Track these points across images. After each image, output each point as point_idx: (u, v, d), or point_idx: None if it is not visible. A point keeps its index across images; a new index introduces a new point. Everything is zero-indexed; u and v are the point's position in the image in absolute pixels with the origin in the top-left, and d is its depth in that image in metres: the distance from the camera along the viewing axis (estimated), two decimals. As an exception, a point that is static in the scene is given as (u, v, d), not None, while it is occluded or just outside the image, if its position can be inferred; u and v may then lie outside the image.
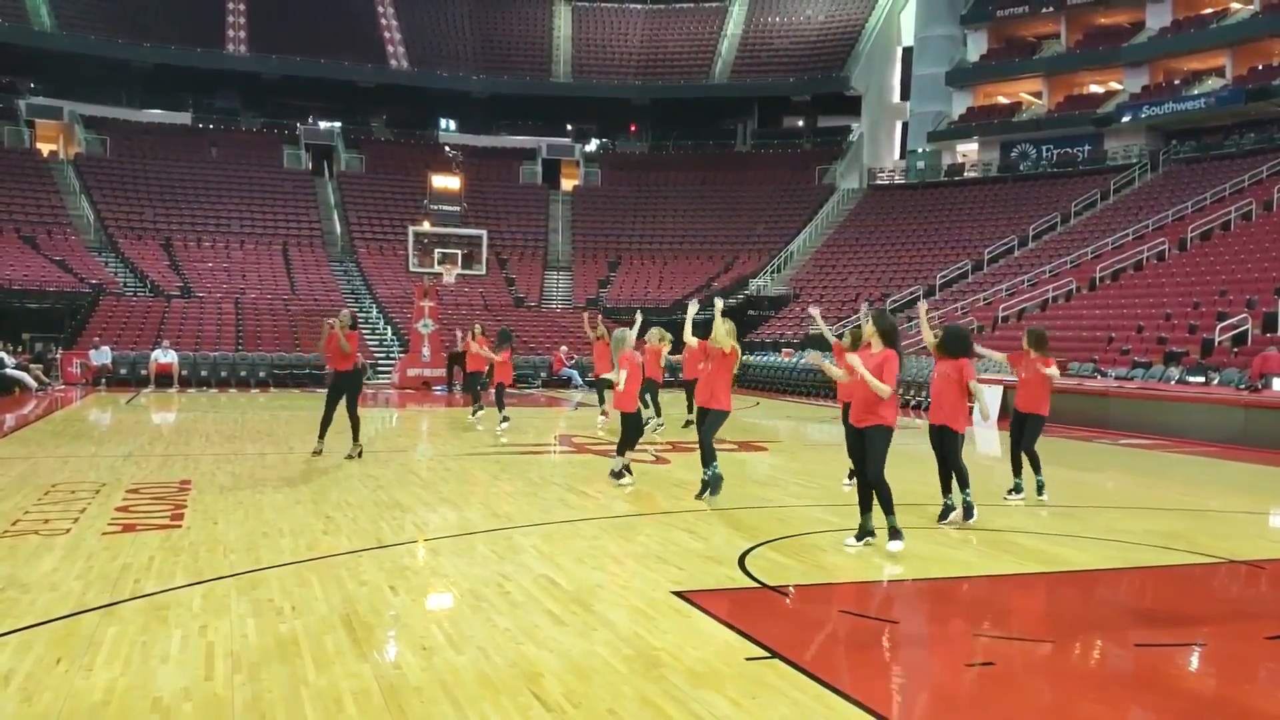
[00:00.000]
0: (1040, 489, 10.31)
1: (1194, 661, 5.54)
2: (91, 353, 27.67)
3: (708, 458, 9.69)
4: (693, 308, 10.88)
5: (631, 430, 10.86)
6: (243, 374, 28.99)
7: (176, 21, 45.43)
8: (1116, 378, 21.52)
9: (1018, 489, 10.39)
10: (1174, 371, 20.95)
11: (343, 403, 12.92)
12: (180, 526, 8.36)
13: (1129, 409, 19.25)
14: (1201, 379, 19.83)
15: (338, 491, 10.36)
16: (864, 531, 7.83)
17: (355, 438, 13.08)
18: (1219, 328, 22.63)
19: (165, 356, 27.76)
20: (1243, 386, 17.98)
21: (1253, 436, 16.46)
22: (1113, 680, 5.24)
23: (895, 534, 7.69)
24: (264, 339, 30.95)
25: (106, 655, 5.10)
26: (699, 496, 9.83)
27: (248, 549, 7.57)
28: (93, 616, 5.77)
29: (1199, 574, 7.55)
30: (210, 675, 4.85)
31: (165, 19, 45.34)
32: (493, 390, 17.12)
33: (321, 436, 13.31)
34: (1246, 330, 22.33)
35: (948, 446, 8.94)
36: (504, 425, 16.24)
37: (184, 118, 46.44)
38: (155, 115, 45.72)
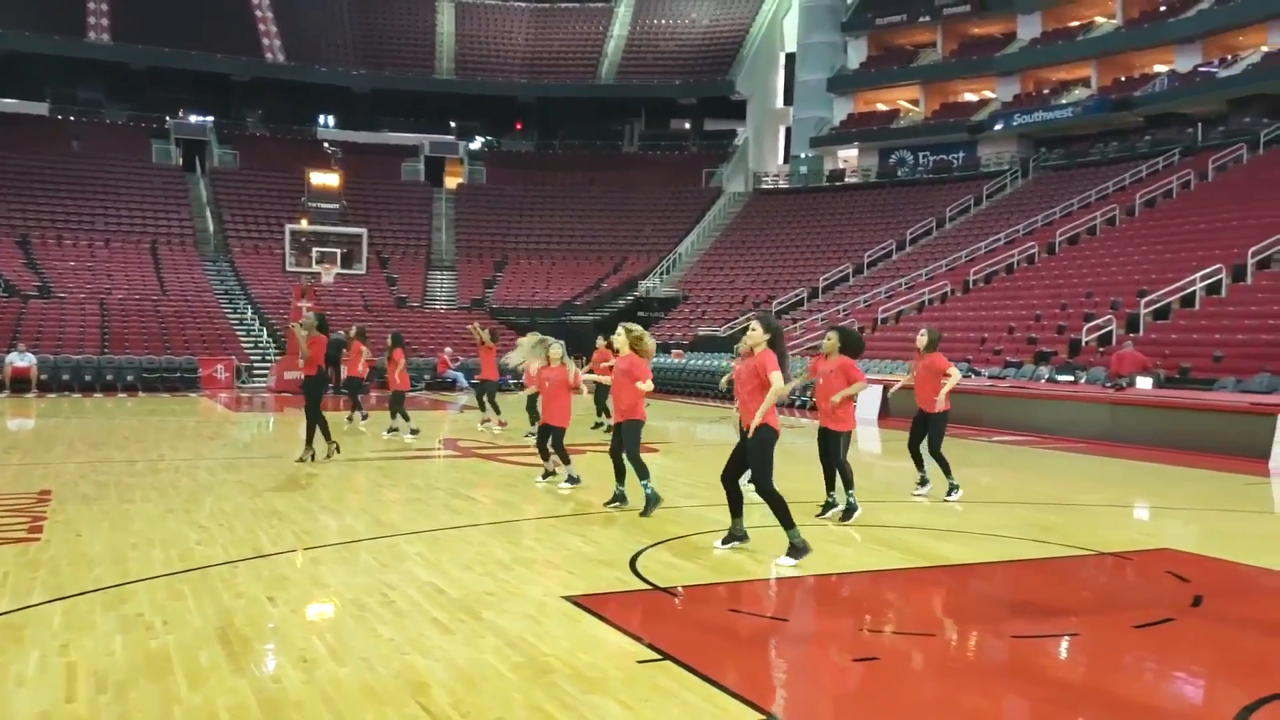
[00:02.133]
0: (950, 490, 10.41)
1: (1068, 651, 5.71)
2: (-58, 356, 26.22)
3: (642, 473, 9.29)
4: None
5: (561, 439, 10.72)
6: (109, 378, 27.78)
7: (32, 6, 43.24)
8: (989, 377, 22.20)
9: (925, 481, 10.62)
10: (1044, 371, 21.71)
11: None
12: (39, 539, 7.92)
13: (1001, 407, 19.86)
14: (1070, 378, 20.59)
15: (212, 500, 9.98)
16: (735, 535, 7.79)
17: (308, 442, 12.81)
18: (1086, 328, 23.56)
19: (21, 360, 26.42)
20: (1111, 385, 18.72)
21: (1119, 433, 17.15)
22: (992, 671, 5.37)
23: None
24: (132, 341, 29.71)
25: (-43, 678, 4.78)
26: (644, 514, 9.17)
27: (115, 561, 7.21)
28: (-58, 637, 5.41)
29: (1071, 566, 7.81)
30: (72, 697, 4.57)
31: (19, 4, 43.09)
32: (389, 397, 16.65)
33: (308, 444, 12.87)
34: (1111, 331, 23.29)
35: (831, 446, 9.07)
36: (411, 436, 15.75)
37: (41, 108, 44.25)
38: (8, 105, 43.32)
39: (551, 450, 10.82)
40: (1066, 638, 5.88)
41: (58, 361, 27.54)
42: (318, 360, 12.81)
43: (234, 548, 7.75)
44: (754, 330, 7.48)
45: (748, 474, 7.55)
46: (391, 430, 16.05)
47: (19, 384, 26.05)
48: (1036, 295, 27.98)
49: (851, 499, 9.09)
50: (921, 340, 10.40)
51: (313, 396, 12.84)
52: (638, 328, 9.62)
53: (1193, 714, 4.84)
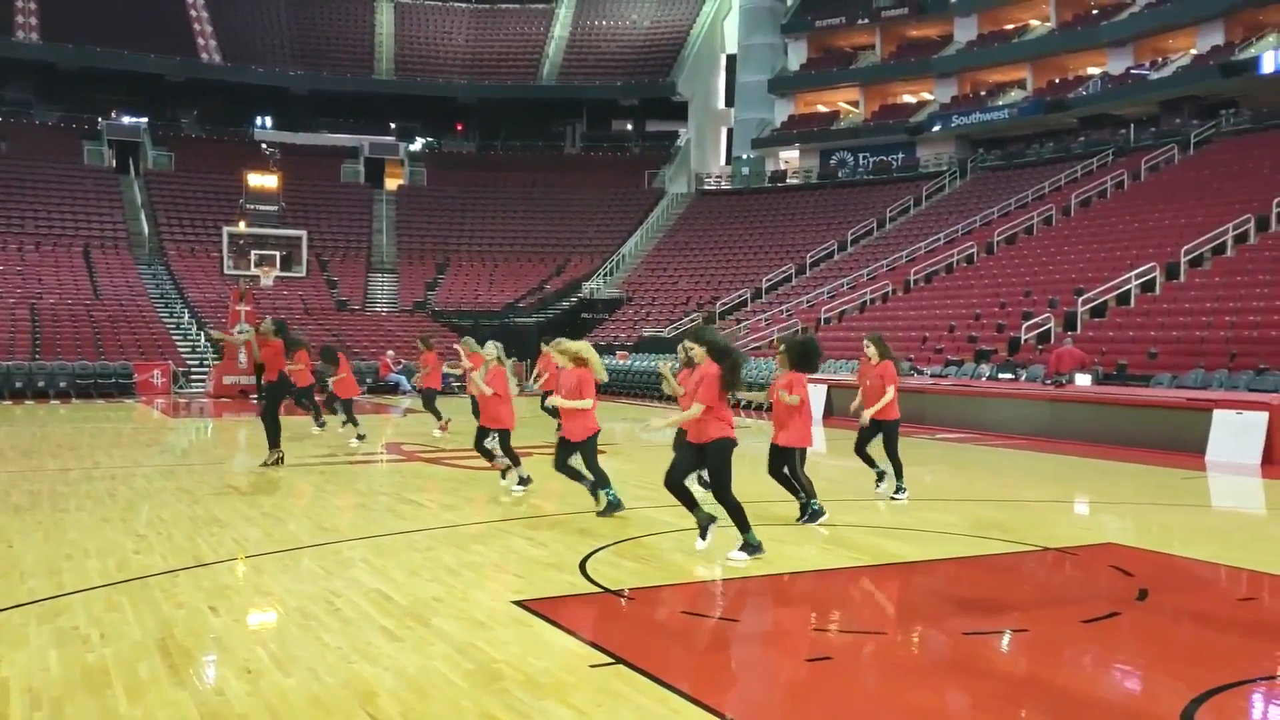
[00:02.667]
0: (898, 490, 10.42)
1: (1018, 647, 5.76)
2: None
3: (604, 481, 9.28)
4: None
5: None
6: (40, 384, 27.06)
7: (-44, 5, 42.15)
8: (931, 375, 22.45)
9: (882, 476, 10.65)
10: (985, 369, 22.01)
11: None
12: (-30, 551, 7.67)
13: (943, 405, 20.09)
14: (1010, 375, 20.89)
15: (149, 508, 9.74)
16: (705, 524, 7.75)
17: (271, 445, 12.66)
18: (1025, 326, 23.92)
19: (-48, 366, 25.69)
20: (1050, 382, 19.00)
21: (1058, 429, 17.42)
22: (944, 668, 5.40)
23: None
24: (64, 347, 29.00)
25: (-118, 698, 4.60)
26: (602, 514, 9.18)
27: (49, 573, 7.00)
28: None
29: (1017, 562, 7.89)
30: (4, 714, 4.42)
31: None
32: (339, 405, 16.42)
33: (272, 445, 12.71)
34: (1050, 329, 23.68)
35: (786, 460, 8.99)
36: (357, 441, 15.52)
37: (-32, 110, 43.14)
38: (-67, 106, 42.29)
39: (498, 452, 10.73)
40: (1016, 634, 5.94)
41: (-13, 368, 26.80)
42: (279, 365, 12.80)
43: (173, 556, 7.57)
44: (692, 348, 7.59)
45: (694, 475, 7.61)
46: (359, 438, 15.58)
47: (-55, 392, 25.33)
48: (976, 294, 28.37)
49: (815, 505, 9.02)
50: (871, 351, 10.35)
51: (272, 400, 12.84)
52: (573, 345, 9.28)
53: (1142, 707, 4.89)
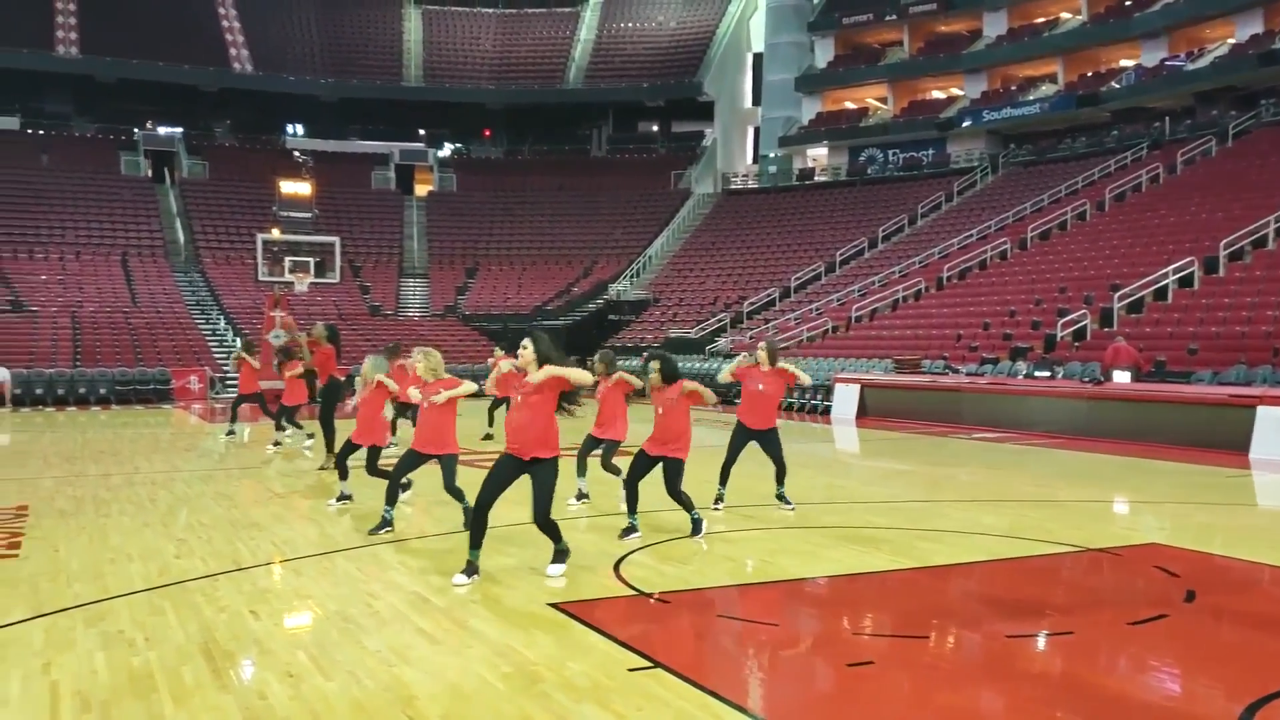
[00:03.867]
0: (782, 499, 9.68)
1: (1062, 651, 5.67)
2: (-89, 373, 25.83)
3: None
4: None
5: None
6: (82, 391, 27.44)
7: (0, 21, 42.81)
8: (967, 374, 22.28)
9: (721, 499, 9.81)
10: (1021, 366, 21.81)
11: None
12: (16, 555, 7.78)
13: (980, 404, 19.95)
14: (1047, 373, 20.69)
15: (189, 512, 9.85)
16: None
17: (329, 449, 12.79)
18: (1060, 323, 23.68)
19: (-6, 375, 26.07)
20: (1089, 379, 18.81)
21: (1097, 427, 17.24)
22: (988, 672, 5.33)
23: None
24: (104, 354, 29.38)
25: (-66, 703, 4.67)
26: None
27: (94, 577, 7.08)
28: (-83, 660, 5.28)
29: (1058, 563, 7.80)
30: (56, 718, 4.48)
31: (-14, 18, 42.65)
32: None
33: (329, 450, 12.79)
34: (1086, 325, 23.44)
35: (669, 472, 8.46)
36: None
37: (11, 123, 43.69)
38: (-22, 120, 42.99)
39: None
40: (1059, 637, 5.84)
41: (31, 376, 27.17)
42: (330, 370, 13.08)
43: (213, 560, 7.64)
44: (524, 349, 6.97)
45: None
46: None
47: (-9, 399, 25.74)
48: (1010, 291, 28.12)
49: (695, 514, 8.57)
50: (762, 354, 9.54)
51: (327, 405, 13.09)
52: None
53: (1196, 713, 4.81)
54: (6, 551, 7.95)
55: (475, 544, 6.94)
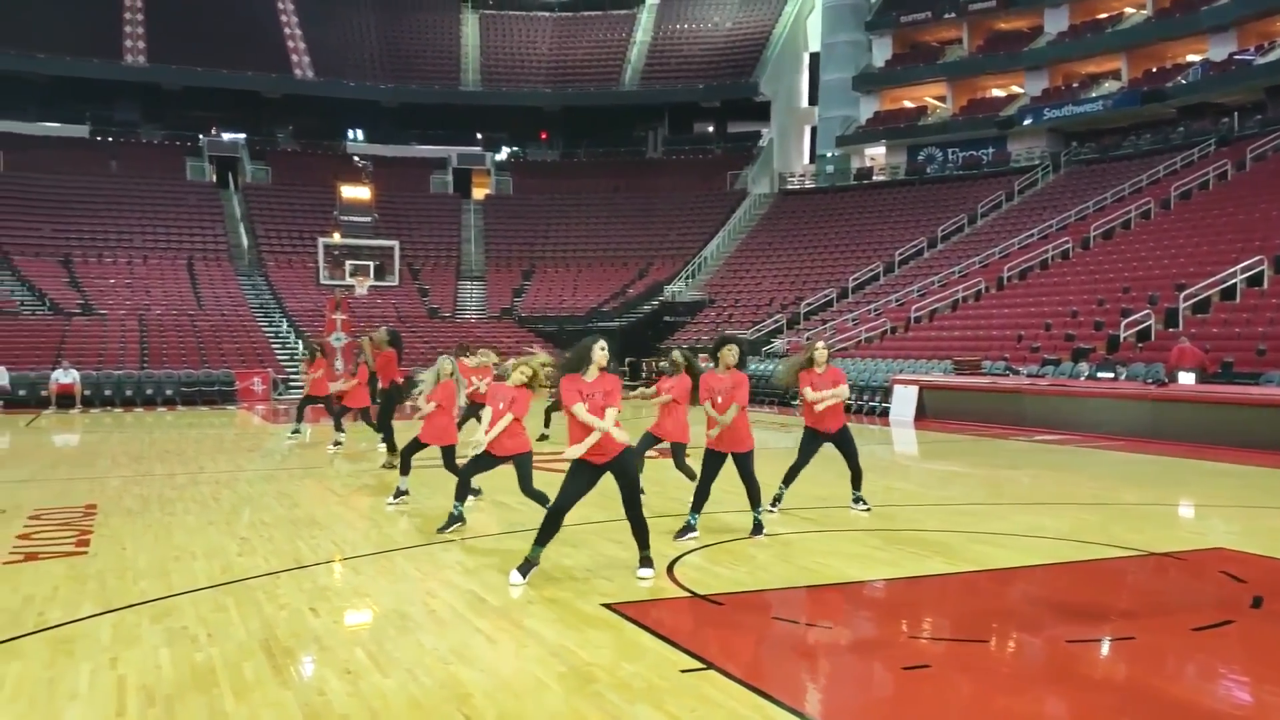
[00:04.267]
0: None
1: (1124, 656, 5.57)
2: (-13, 374, 26.59)
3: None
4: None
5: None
6: (149, 392, 28.07)
7: (72, 32, 43.91)
8: (1028, 375, 21.97)
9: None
10: (1083, 367, 21.45)
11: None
12: (86, 553, 7.98)
13: (1042, 405, 19.66)
14: (1110, 374, 20.33)
15: (251, 511, 10.03)
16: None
17: (390, 448, 13.14)
18: (1124, 324, 23.25)
19: (66, 376, 26.74)
20: (1153, 380, 18.45)
21: (1161, 429, 16.91)
22: (1047, 677, 5.25)
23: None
24: (170, 356, 30.04)
25: (9, 694, 4.81)
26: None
27: (159, 574, 7.25)
28: (-8, 653, 5.45)
29: (1120, 567, 7.66)
30: (122, 711, 4.59)
31: (60, 29, 43.77)
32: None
33: (390, 450, 13.15)
34: (1150, 326, 22.99)
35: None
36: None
37: (82, 131, 44.93)
38: (51, 129, 44.15)
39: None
40: (1121, 642, 5.75)
41: (100, 377, 27.86)
42: (391, 373, 13.37)
43: (275, 558, 7.78)
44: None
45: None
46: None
47: (64, 400, 26.37)
48: (1073, 291, 27.67)
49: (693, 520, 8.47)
50: (731, 357, 8.66)
51: (387, 406, 13.47)
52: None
53: None
54: (76, 549, 8.16)
55: (541, 542, 6.93)
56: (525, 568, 6.90)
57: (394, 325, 31.33)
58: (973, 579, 7.22)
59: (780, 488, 9.72)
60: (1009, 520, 9.42)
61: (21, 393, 26.64)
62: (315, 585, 6.96)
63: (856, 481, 9.65)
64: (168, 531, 8.92)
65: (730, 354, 8.51)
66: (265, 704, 4.66)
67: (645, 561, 7.06)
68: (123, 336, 31.05)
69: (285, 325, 34.75)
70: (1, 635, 5.74)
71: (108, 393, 27.53)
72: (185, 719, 4.49)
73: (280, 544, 8.36)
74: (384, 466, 13.06)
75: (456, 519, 8.83)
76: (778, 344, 30.90)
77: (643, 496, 7.36)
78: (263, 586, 6.88)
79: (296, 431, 17.51)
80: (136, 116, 46.70)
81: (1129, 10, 40.76)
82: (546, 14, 54.78)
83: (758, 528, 8.51)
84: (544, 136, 52.27)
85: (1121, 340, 22.91)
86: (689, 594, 6.65)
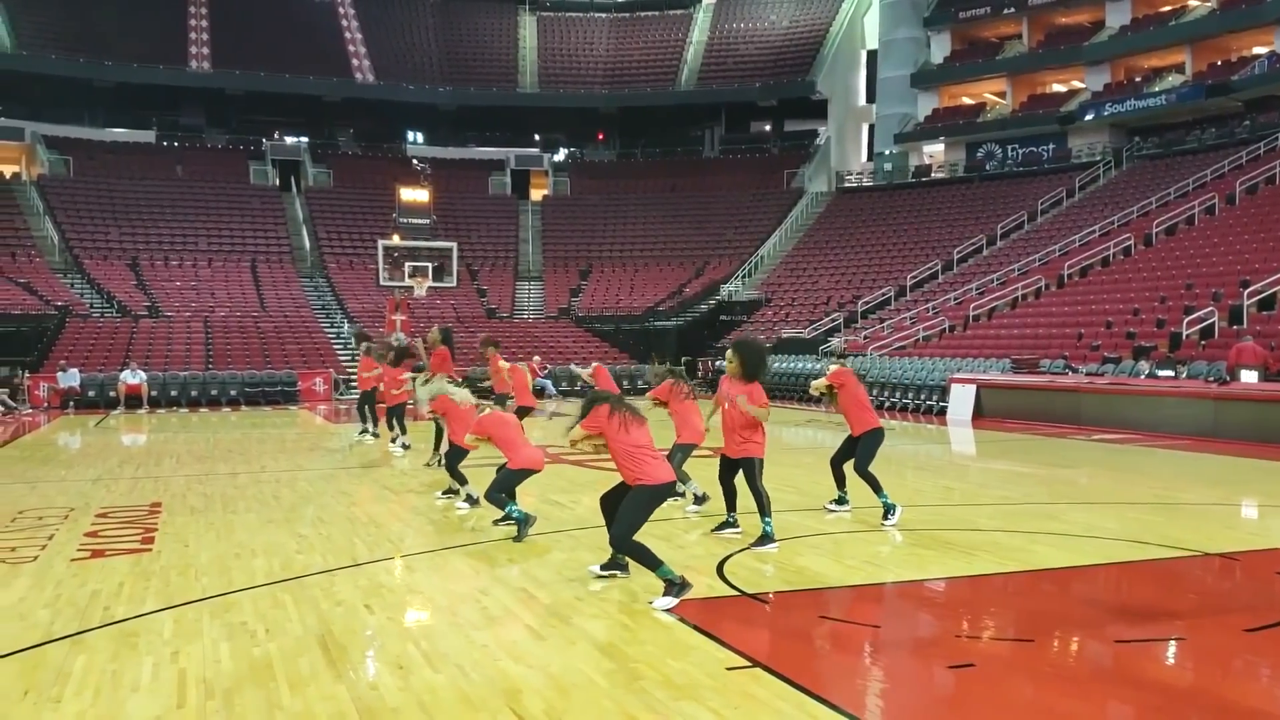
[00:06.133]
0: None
1: (1175, 657, 5.54)
2: (59, 375, 27.34)
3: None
4: None
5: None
6: (213, 393, 28.70)
7: (138, 39, 45.03)
8: (1087, 374, 21.65)
9: (842, 500, 9.68)
10: (1144, 366, 21.09)
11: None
12: (150, 550, 8.23)
13: (1101, 404, 19.37)
14: (1171, 373, 19.97)
15: (311, 509, 10.25)
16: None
17: (435, 447, 13.27)
18: (1186, 321, 22.82)
19: (134, 377, 27.44)
20: (1214, 379, 18.10)
21: (1223, 429, 16.59)
22: (1094, 677, 5.22)
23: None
24: (234, 357, 30.67)
25: (76, 685, 5.00)
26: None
27: (220, 571, 7.46)
28: (61, 646, 5.66)
29: (1175, 568, 7.57)
30: (183, 703, 4.76)
31: (127, 37, 44.93)
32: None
33: (436, 449, 13.29)
34: (1214, 324, 22.53)
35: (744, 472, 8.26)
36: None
37: (148, 136, 46.03)
38: (119, 134, 45.33)
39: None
40: (1173, 642, 5.71)
41: (166, 378, 28.55)
42: (445, 371, 13.54)
43: (332, 556, 7.96)
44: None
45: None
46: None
47: (132, 400, 27.09)
48: (1134, 288, 27.20)
49: (768, 527, 8.15)
50: (731, 366, 8.18)
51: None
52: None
53: (1306, 720, 4.65)
54: (141, 546, 8.41)
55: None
56: (676, 589, 6.34)
57: (452, 325, 31.74)
58: (1025, 579, 7.18)
59: (840, 490, 9.64)
60: (1066, 520, 9.32)
61: (91, 394, 27.40)
62: (371, 582, 7.12)
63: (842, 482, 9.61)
64: (229, 529, 9.16)
65: (730, 362, 8.12)
66: (320, 698, 4.80)
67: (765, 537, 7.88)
68: (188, 338, 31.76)
69: (346, 326, 35.28)
70: (69, 629, 5.97)
71: (174, 393, 28.20)
72: (243, 711, 4.64)
73: (338, 542, 8.54)
74: (427, 464, 13.38)
75: (521, 520, 8.66)
76: (834, 343, 30.74)
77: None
78: (320, 583, 7.06)
79: (364, 431, 17.69)
80: (201, 121, 47.70)
81: (1193, 3, 39.92)
82: (603, 15, 54.98)
83: (764, 539, 8.07)
84: (601, 137, 52.49)
85: (1184, 338, 22.49)
86: (737, 592, 6.70)
